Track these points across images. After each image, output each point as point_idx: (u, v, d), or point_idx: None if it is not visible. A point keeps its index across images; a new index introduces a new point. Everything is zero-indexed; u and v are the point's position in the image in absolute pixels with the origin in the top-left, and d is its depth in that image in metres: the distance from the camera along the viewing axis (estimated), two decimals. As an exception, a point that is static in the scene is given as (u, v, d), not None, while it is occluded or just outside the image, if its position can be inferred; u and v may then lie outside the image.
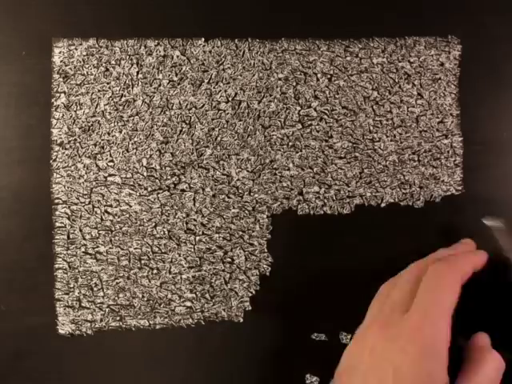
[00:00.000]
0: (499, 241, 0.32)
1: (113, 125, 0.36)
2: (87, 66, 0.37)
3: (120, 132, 0.36)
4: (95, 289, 0.36)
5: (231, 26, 0.37)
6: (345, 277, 0.37)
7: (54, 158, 0.36)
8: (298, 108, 0.37)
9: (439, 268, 0.28)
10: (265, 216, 0.36)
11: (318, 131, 0.37)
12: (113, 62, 0.37)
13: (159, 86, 0.37)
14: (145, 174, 0.36)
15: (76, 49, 0.37)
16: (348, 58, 0.37)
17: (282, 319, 0.36)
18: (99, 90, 0.37)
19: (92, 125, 0.36)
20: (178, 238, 0.36)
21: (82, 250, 0.36)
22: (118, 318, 0.36)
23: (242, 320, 0.36)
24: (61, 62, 0.37)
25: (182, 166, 0.36)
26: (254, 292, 0.36)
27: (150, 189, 0.36)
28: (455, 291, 0.27)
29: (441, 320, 0.26)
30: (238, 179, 0.37)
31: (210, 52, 0.37)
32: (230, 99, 0.37)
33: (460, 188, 0.37)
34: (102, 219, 0.36)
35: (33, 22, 0.37)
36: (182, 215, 0.36)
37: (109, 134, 0.36)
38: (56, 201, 0.36)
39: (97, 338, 0.36)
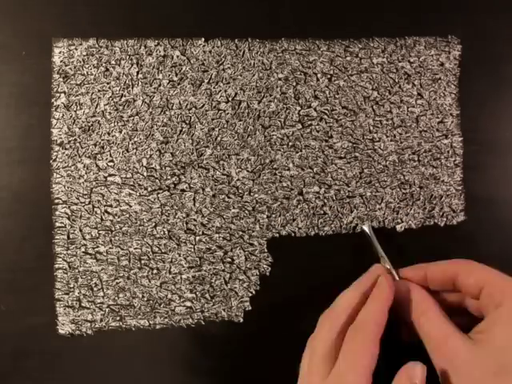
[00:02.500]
0: (374, 246, 0.34)
1: (113, 125, 0.36)
2: (87, 65, 0.37)
3: (120, 132, 0.36)
4: (95, 289, 0.36)
5: (231, 26, 0.37)
6: (345, 277, 0.37)
7: (54, 158, 0.36)
8: (298, 108, 0.37)
9: (357, 331, 0.29)
10: (265, 216, 0.36)
11: (318, 131, 0.37)
12: (113, 62, 0.37)
13: (159, 86, 0.37)
14: (145, 173, 0.36)
15: (76, 49, 0.37)
16: (348, 58, 0.37)
17: (281, 319, 0.36)
18: (99, 90, 0.37)
19: (92, 125, 0.36)
20: (178, 238, 0.36)
21: (82, 249, 0.36)
22: (118, 318, 0.36)
23: (241, 320, 0.36)
24: (61, 62, 0.37)
25: (182, 165, 0.36)
26: (253, 292, 0.36)
27: (150, 189, 0.36)
28: (373, 352, 0.28)
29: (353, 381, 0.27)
30: (238, 179, 0.37)
31: (210, 52, 0.37)
32: (230, 99, 0.37)
33: (460, 188, 0.37)
34: (102, 219, 0.36)
35: (33, 22, 0.37)
36: (182, 215, 0.36)
37: (109, 133, 0.36)
38: (56, 201, 0.36)
39: (97, 337, 0.36)
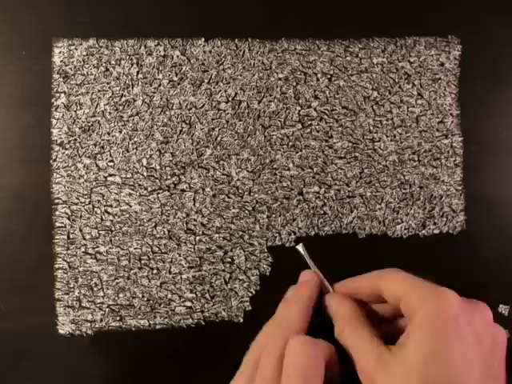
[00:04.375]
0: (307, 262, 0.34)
1: (113, 125, 0.36)
2: (87, 66, 0.37)
3: (120, 132, 0.36)
4: (95, 289, 0.36)
5: (231, 25, 0.37)
6: (345, 277, 0.37)
7: (54, 158, 0.36)
8: (298, 108, 0.37)
9: (294, 349, 0.28)
10: (265, 216, 0.36)
11: (318, 131, 0.37)
12: (113, 62, 0.37)
13: (159, 86, 0.37)
14: (145, 174, 0.36)
15: (76, 49, 0.37)
16: (348, 58, 0.37)
17: (282, 319, 0.36)
18: (99, 90, 0.37)
19: (92, 125, 0.36)
20: (178, 238, 0.36)
21: (82, 249, 0.36)
22: (118, 318, 0.36)
23: (241, 320, 0.36)
24: (61, 62, 0.37)
25: (182, 165, 0.36)
26: (253, 292, 0.36)
27: (150, 189, 0.36)
28: (320, 369, 0.27)
29: None
30: (238, 179, 0.37)
31: (210, 52, 0.37)
32: (230, 99, 0.37)
33: (460, 188, 0.37)
34: (102, 219, 0.36)
35: (33, 22, 0.37)
36: (182, 215, 0.36)
37: (109, 133, 0.36)
38: (56, 201, 0.36)
39: (97, 338, 0.36)
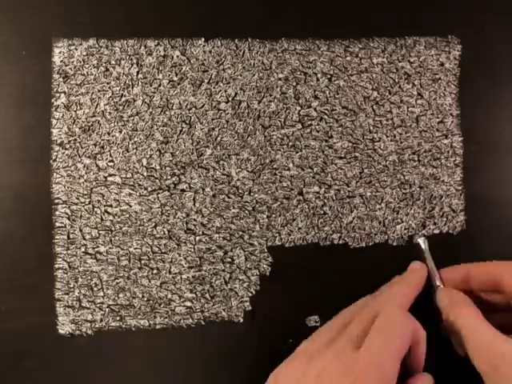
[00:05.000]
0: (426, 260, 0.34)
1: (113, 125, 0.36)
2: (87, 65, 0.37)
3: (120, 132, 0.36)
4: (95, 289, 0.36)
5: (231, 25, 0.37)
6: (345, 276, 0.37)
7: (54, 158, 0.36)
8: (298, 108, 0.37)
9: (391, 312, 0.29)
10: (265, 216, 0.36)
11: (318, 131, 0.37)
12: (113, 62, 0.37)
13: (159, 86, 0.37)
14: (145, 173, 0.36)
15: (76, 49, 0.37)
16: (348, 58, 0.37)
17: (282, 319, 0.36)
18: (99, 90, 0.37)
19: (92, 125, 0.36)
20: (178, 238, 0.36)
21: (82, 249, 0.36)
22: (118, 318, 0.36)
23: (241, 320, 0.36)
24: (61, 62, 0.37)
25: (182, 165, 0.36)
26: (253, 292, 0.36)
27: (150, 189, 0.36)
28: (406, 336, 0.27)
29: (388, 365, 0.26)
30: (238, 179, 0.37)
31: (210, 52, 0.37)
32: (230, 99, 0.37)
33: (460, 188, 0.37)
34: (102, 219, 0.36)
35: (33, 22, 0.37)
36: (182, 215, 0.36)
37: (109, 133, 0.36)
38: (56, 201, 0.36)
39: (97, 337, 0.36)
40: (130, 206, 0.36)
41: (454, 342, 0.32)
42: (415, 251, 0.35)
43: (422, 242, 0.35)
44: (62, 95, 0.36)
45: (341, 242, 0.37)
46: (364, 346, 0.27)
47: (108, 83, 0.37)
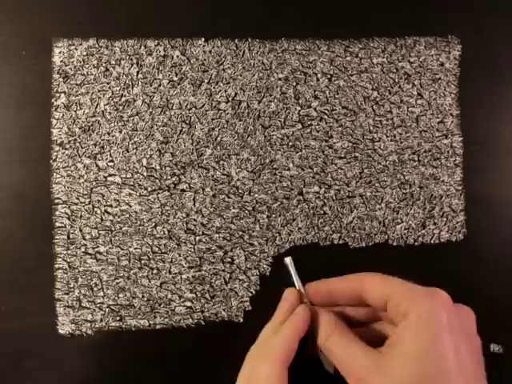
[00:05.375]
0: (292, 276, 0.35)
1: (113, 125, 0.36)
2: (87, 65, 0.37)
3: (120, 132, 0.36)
4: (95, 289, 0.36)
5: (231, 26, 0.37)
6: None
7: (54, 158, 0.36)
8: (298, 108, 0.37)
9: (261, 358, 0.30)
10: (265, 216, 0.36)
11: (318, 131, 0.37)
12: (113, 62, 0.37)
13: (159, 86, 0.37)
14: (145, 173, 0.36)
15: (76, 49, 0.37)
16: (348, 58, 0.37)
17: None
18: (99, 90, 0.37)
19: (92, 125, 0.36)
20: (178, 238, 0.36)
21: (82, 249, 0.36)
22: (118, 318, 0.36)
23: (241, 320, 0.36)
24: (61, 62, 0.37)
25: (182, 165, 0.36)
26: (253, 292, 0.36)
27: (150, 189, 0.36)
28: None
29: None
30: (238, 179, 0.37)
31: (210, 52, 0.37)
32: (230, 99, 0.37)
33: (460, 188, 0.37)
34: (102, 219, 0.36)
35: (33, 22, 0.37)
36: (181, 215, 0.36)
37: (109, 133, 0.36)
38: (56, 201, 0.36)
39: (97, 337, 0.36)
40: (130, 206, 0.36)
41: (322, 360, 0.32)
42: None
43: (288, 262, 0.35)
44: (62, 95, 0.36)
45: (341, 241, 0.37)
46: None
47: (108, 83, 0.37)
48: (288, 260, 0.35)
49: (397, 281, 0.29)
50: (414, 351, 0.26)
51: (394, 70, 0.38)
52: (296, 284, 0.34)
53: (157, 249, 0.36)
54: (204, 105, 0.37)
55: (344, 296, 0.31)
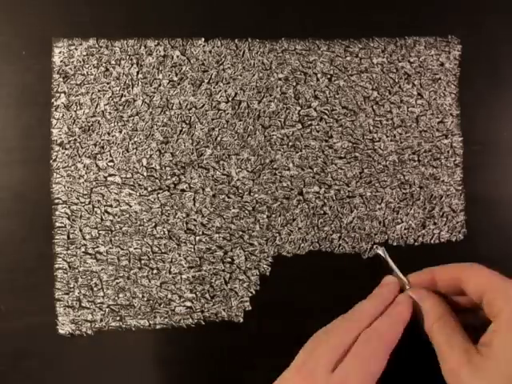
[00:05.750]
0: (390, 266, 0.34)
1: (113, 125, 0.36)
2: (87, 65, 0.37)
3: (120, 132, 0.36)
4: (95, 289, 0.36)
5: (231, 25, 0.37)
6: (345, 277, 0.37)
7: (54, 158, 0.36)
8: (298, 108, 0.37)
9: (371, 337, 0.29)
10: (265, 216, 0.36)
11: (318, 131, 0.37)
12: (113, 62, 0.37)
13: (159, 86, 0.37)
14: (145, 173, 0.36)
15: (76, 49, 0.37)
16: (348, 58, 0.37)
17: (281, 319, 0.36)
18: (99, 90, 0.37)
19: (92, 125, 0.36)
20: (178, 238, 0.36)
21: (82, 249, 0.36)
22: (118, 318, 0.36)
23: (241, 320, 0.36)
24: (61, 62, 0.37)
25: (182, 165, 0.36)
26: (253, 292, 0.36)
27: (150, 189, 0.36)
28: (382, 361, 0.28)
29: None
30: (238, 179, 0.37)
31: (210, 52, 0.37)
32: (230, 99, 0.37)
33: (460, 188, 0.37)
34: (102, 219, 0.36)
35: (33, 22, 0.37)
36: (181, 215, 0.36)
37: (109, 134, 0.36)
38: (56, 201, 0.36)
39: (97, 337, 0.36)
40: (130, 206, 0.36)
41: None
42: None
43: (381, 253, 0.35)
44: (62, 95, 0.36)
45: (341, 242, 0.37)
46: (338, 368, 0.28)
47: (108, 83, 0.37)
48: (381, 251, 0.35)
49: (496, 276, 0.29)
50: (505, 354, 0.26)
51: (394, 70, 0.38)
52: (396, 272, 0.33)
53: (157, 249, 0.36)
54: (204, 105, 0.37)
55: (446, 285, 0.31)
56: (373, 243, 0.36)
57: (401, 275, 0.33)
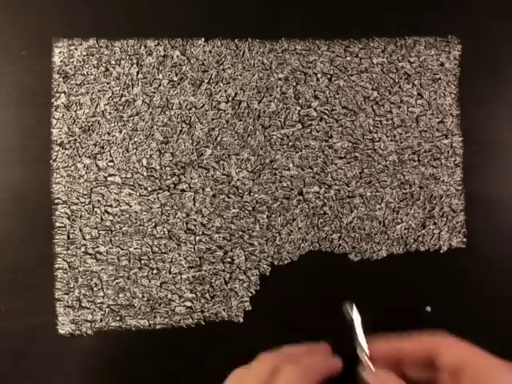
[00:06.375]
0: (354, 329, 0.31)
1: (113, 125, 0.36)
2: (87, 65, 0.37)
3: (120, 132, 0.36)
4: (95, 289, 0.36)
5: (231, 26, 0.37)
6: (345, 278, 0.37)
7: (54, 158, 0.36)
8: (298, 108, 0.37)
9: (292, 375, 0.28)
10: (265, 216, 0.36)
11: (318, 131, 0.37)
12: (113, 62, 0.37)
13: (159, 86, 0.37)
14: (145, 173, 0.36)
15: (76, 49, 0.37)
16: (348, 58, 0.37)
17: (281, 319, 0.36)
18: (99, 90, 0.37)
19: (92, 125, 0.36)
20: (178, 238, 0.36)
21: (82, 249, 0.36)
22: (118, 318, 0.36)
23: (241, 320, 0.36)
24: (61, 62, 0.37)
25: (182, 165, 0.36)
26: (254, 292, 0.36)
27: (150, 189, 0.36)
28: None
29: None
30: (238, 179, 0.37)
31: (210, 52, 0.37)
32: (230, 99, 0.37)
33: (460, 188, 0.37)
34: (102, 219, 0.36)
35: (33, 22, 0.37)
36: (181, 215, 0.36)
37: (109, 134, 0.36)
38: (56, 201, 0.36)
39: (97, 337, 0.36)
40: (130, 206, 0.36)
41: None
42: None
43: (350, 311, 0.31)
44: (62, 95, 0.36)
45: (341, 242, 0.37)
46: None
47: (108, 83, 0.37)
48: (350, 308, 0.31)
49: (474, 348, 0.28)
50: None
51: (394, 70, 0.38)
52: (358, 339, 0.30)
53: (157, 249, 0.36)
54: (204, 105, 0.37)
55: (413, 357, 0.29)
56: (344, 302, 0.32)
57: (363, 344, 0.30)
